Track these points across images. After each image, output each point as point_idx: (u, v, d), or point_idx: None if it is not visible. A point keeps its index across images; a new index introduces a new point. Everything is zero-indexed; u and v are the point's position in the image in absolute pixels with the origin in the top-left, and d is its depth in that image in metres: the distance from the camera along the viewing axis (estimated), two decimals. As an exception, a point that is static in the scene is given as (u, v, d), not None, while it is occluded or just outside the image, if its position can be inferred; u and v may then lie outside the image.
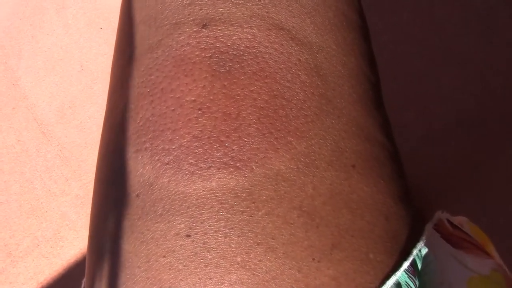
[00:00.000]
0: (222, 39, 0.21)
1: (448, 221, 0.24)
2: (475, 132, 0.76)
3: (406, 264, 0.20)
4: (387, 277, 0.19)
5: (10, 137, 1.07)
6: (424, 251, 0.20)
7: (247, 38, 0.21)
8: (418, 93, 0.81)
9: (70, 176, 1.02)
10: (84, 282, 0.23)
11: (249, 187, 0.19)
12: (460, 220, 0.24)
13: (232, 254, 0.19)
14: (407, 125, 0.78)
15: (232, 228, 0.19)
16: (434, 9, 0.84)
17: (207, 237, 0.19)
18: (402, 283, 0.19)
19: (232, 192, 0.19)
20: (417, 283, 0.20)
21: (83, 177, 1.02)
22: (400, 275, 0.19)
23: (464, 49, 0.80)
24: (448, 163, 0.76)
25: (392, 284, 0.19)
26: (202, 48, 0.21)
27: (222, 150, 0.19)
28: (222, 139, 0.20)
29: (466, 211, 0.73)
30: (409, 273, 0.20)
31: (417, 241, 0.22)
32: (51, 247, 0.98)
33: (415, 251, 0.20)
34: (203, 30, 0.21)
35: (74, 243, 0.98)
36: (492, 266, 0.21)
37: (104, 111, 0.24)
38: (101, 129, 0.24)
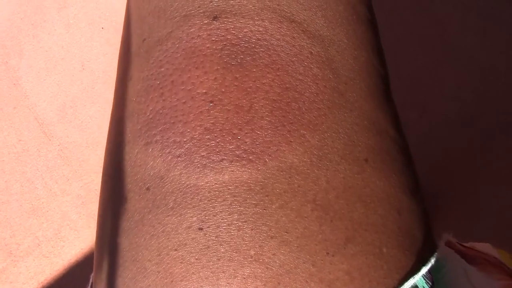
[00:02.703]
0: (233, 31, 0.21)
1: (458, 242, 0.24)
2: (477, 129, 0.76)
3: (424, 270, 0.19)
4: (404, 279, 0.19)
5: (11, 137, 1.07)
6: (439, 262, 0.20)
7: (259, 31, 0.21)
8: (420, 91, 0.81)
9: (71, 176, 1.02)
10: (92, 277, 0.23)
11: (262, 180, 0.19)
12: (483, 246, 0.23)
13: (246, 248, 0.18)
14: (409, 122, 0.78)
15: (245, 221, 0.18)
16: (436, 7, 0.84)
17: (220, 230, 0.18)
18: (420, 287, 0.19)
19: (245, 185, 0.19)
20: None
21: (84, 177, 1.01)
22: (418, 278, 0.19)
23: (466, 47, 0.80)
24: (450, 160, 0.76)
25: (409, 287, 0.19)
26: (213, 40, 0.21)
27: (235, 143, 0.19)
28: (234, 132, 0.19)
29: (469, 210, 0.73)
30: (426, 279, 0.19)
31: (431, 242, 0.21)
32: (52, 247, 0.97)
33: (432, 259, 0.20)
34: (214, 22, 0.21)
35: (75, 243, 0.97)
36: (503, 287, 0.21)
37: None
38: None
